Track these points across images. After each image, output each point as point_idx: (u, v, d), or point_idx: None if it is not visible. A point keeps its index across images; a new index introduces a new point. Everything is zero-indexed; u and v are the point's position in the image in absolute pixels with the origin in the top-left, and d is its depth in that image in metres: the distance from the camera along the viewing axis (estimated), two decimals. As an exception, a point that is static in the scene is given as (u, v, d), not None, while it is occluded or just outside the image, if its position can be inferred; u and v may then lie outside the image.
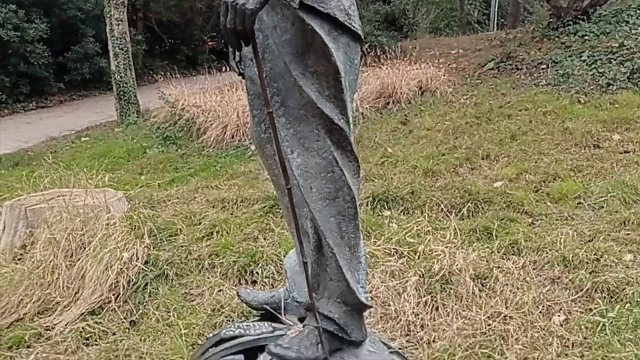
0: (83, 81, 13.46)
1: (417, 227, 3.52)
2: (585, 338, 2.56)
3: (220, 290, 3.18)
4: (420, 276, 3.03)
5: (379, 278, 3.01)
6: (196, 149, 6.45)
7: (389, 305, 2.93)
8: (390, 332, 2.73)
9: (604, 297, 2.80)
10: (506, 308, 2.82)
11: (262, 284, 3.22)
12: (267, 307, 1.78)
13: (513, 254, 3.24)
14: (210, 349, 1.69)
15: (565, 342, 2.56)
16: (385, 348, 1.64)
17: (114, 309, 3.04)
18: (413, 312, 2.86)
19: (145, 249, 3.43)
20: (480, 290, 2.96)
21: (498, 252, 3.25)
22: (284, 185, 1.51)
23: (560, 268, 3.07)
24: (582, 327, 2.62)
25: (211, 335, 1.82)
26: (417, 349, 2.63)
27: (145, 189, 4.88)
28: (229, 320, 2.91)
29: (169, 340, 2.82)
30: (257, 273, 3.31)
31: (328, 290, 1.52)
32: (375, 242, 3.36)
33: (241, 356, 1.59)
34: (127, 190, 4.64)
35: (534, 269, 3.12)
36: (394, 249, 3.31)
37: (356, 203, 1.51)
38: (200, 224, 3.91)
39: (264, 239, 3.68)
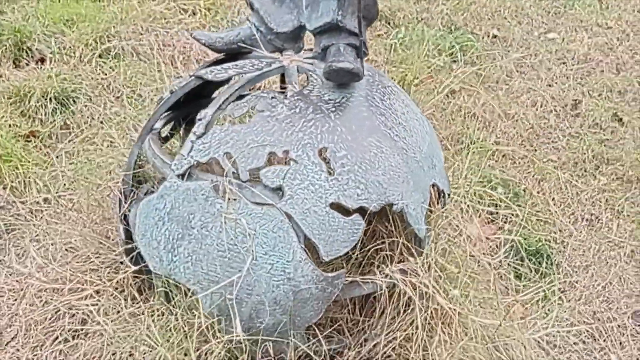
0: None
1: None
2: (389, 56, 3.02)
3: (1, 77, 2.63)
4: None
5: None
6: None
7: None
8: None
9: (386, 25, 3.28)
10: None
11: (55, 62, 2.76)
12: (243, 45, 1.66)
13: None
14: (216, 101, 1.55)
15: (374, 64, 2.99)
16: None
17: None
18: None
19: None
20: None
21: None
22: None
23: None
24: (383, 49, 3.07)
25: (182, 83, 1.62)
26: None
27: None
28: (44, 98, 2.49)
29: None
30: (38, 50, 2.79)
31: (352, 5, 1.51)
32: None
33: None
34: None
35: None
36: None
37: None
38: None
39: (12, 12, 3.04)
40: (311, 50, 1.73)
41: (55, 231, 2.01)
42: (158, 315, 1.52)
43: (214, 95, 1.92)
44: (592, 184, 2.39)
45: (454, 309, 1.47)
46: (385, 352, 1.54)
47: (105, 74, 2.77)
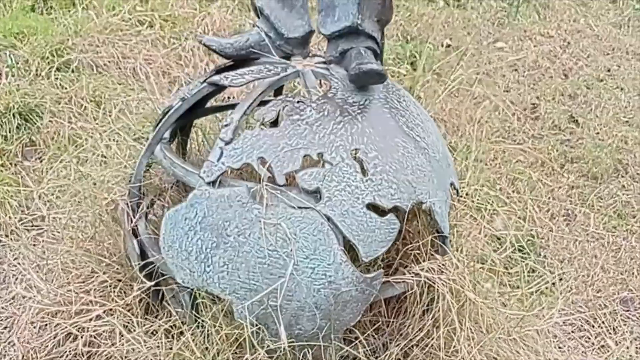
0: None
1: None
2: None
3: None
4: None
5: None
6: None
7: None
8: None
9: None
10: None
11: (11, 76, 2.61)
12: (253, 50, 1.64)
13: None
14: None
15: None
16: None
17: None
18: None
19: None
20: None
21: None
22: None
23: None
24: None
25: (194, 91, 1.58)
26: None
27: None
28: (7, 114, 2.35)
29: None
30: None
31: (370, 9, 1.53)
32: None
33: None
34: None
35: None
36: None
37: None
38: None
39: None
40: (316, 55, 1.73)
41: (36, 252, 1.90)
42: (186, 330, 1.46)
43: (207, 105, 1.89)
44: (561, 182, 2.53)
45: (484, 303, 1.51)
46: (416, 352, 1.55)
47: (66, 88, 2.64)
